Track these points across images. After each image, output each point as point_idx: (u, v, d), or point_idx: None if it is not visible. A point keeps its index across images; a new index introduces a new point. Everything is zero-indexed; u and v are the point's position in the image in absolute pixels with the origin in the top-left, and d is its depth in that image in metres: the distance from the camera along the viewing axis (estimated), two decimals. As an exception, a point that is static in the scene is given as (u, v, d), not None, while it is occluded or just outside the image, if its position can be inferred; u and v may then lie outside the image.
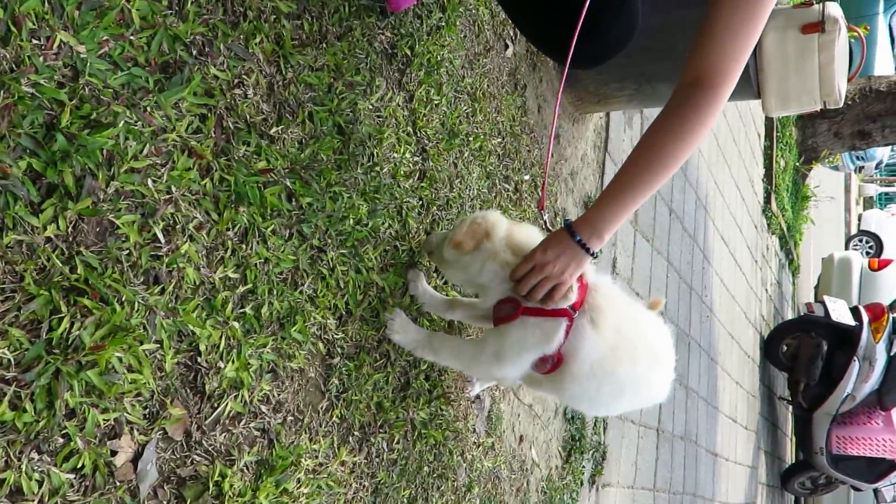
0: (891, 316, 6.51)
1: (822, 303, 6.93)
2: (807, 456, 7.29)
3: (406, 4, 1.86)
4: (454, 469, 2.10)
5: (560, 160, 2.99)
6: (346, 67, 1.68)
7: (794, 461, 8.59)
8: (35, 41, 1.05)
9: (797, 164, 8.26)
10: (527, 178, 2.60)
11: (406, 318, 1.82)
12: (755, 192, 7.15)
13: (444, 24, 2.10)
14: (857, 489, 7.54)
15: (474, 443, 2.24)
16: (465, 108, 2.23)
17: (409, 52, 1.94)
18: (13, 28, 1.01)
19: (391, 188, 1.85)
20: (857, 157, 11.58)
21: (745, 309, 6.56)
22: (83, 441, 1.10)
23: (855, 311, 6.69)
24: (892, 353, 6.46)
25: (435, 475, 2.01)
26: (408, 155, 1.93)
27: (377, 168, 1.80)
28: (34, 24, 1.04)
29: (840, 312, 6.77)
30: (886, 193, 25.03)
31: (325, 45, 1.62)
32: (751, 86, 2.69)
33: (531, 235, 1.70)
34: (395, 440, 1.84)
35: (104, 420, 1.13)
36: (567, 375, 1.66)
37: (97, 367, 1.11)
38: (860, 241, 14.47)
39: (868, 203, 21.98)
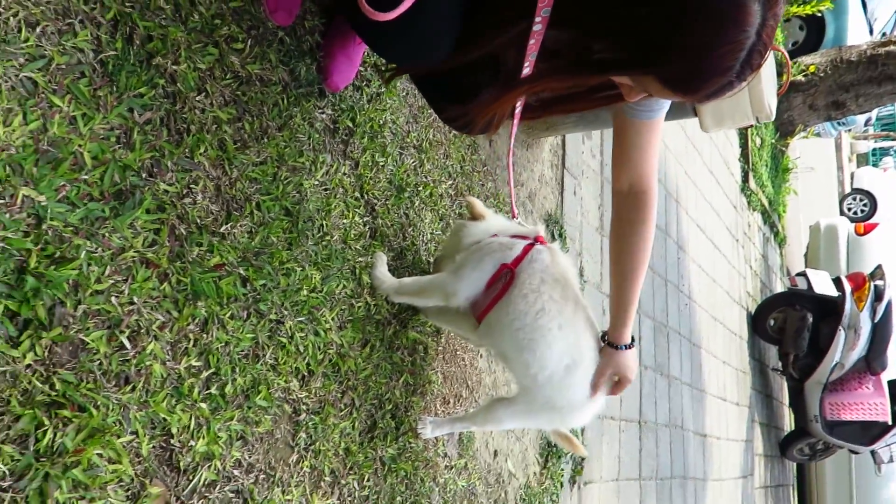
0: (872, 284, 6.69)
1: (805, 275, 7.11)
2: (802, 424, 7.50)
3: (344, 84, 2.03)
4: (427, 495, 2.30)
5: (516, 185, 3.17)
6: (288, 154, 1.87)
7: (791, 429, 8.80)
8: (0, 201, 1.23)
9: (774, 140, 8.40)
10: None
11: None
12: (732, 174, 7.30)
13: (383, 89, 2.27)
14: (854, 452, 7.74)
15: (446, 466, 2.44)
16: (411, 161, 2.41)
17: (350, 124, 2.12)
18: (-19, 195, 1.20)
19: (342, 252, 2.04)
20: (839, 124, 11.69)
21: (727, 289, 6.74)
22: (74, 529, 1.30)
23: (837, 282, 6.87)
24: (875, 320, 6.65)
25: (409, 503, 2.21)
26: (357, 218, 2.12)
27: (327, 237, 1.98)
28: (-1, 187, 1.23)
29: (823, 284, 6.97)
30: (882, 148, 25.00)
31: (266, 139, 1.81)
32: (686, 107, 2.86)
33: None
34: (366, 478, 2.04)
35: (91, 508, 1.33)
36: (516, 288, 1.96)
37: (80, 465, 1.31)
38: (854, 199, 14.59)
39: (861, 160, 21.99)
